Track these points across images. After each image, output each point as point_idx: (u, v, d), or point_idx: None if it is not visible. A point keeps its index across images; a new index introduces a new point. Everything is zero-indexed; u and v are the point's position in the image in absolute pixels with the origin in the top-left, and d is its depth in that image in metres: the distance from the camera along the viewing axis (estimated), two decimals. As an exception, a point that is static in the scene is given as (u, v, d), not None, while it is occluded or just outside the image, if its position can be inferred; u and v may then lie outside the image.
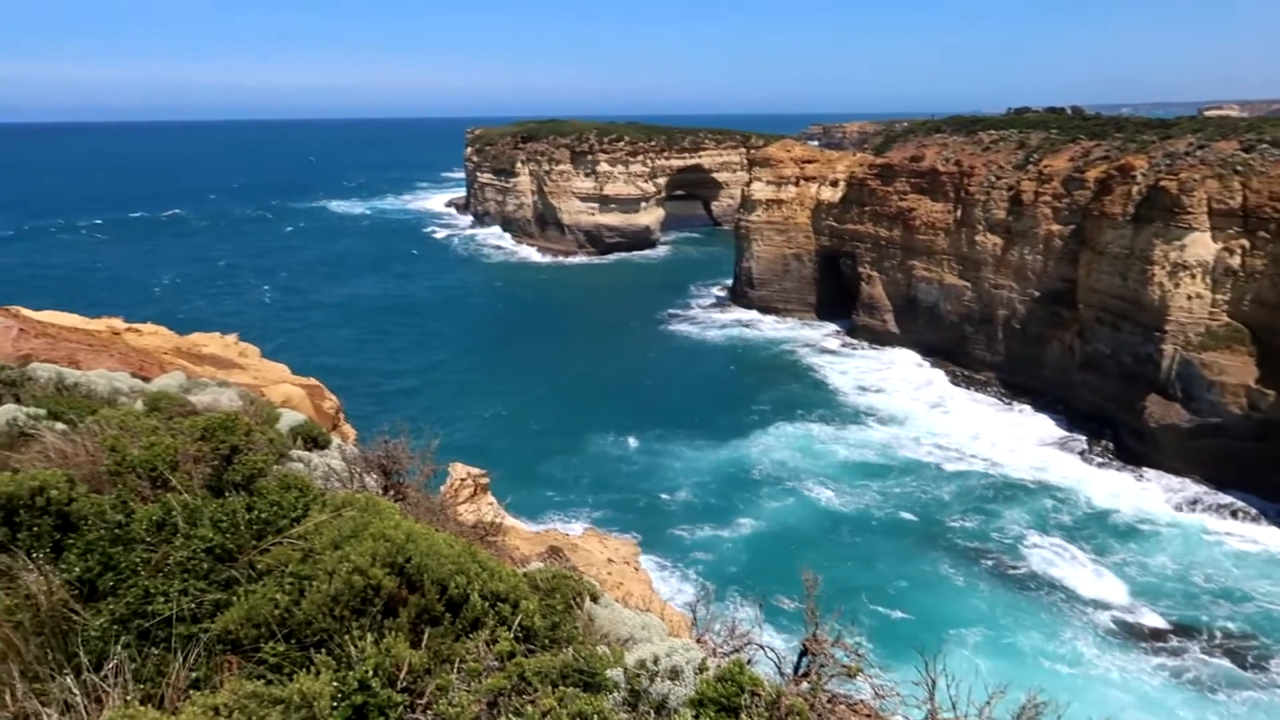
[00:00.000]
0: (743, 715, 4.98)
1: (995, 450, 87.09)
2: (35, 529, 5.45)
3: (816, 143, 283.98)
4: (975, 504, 76.49)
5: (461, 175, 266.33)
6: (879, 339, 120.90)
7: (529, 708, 4.67)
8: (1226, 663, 56.17)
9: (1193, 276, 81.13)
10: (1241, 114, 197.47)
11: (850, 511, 75.06)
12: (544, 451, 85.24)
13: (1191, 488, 77.70)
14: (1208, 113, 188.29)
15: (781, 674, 6.90)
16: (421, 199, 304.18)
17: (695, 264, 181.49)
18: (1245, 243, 79.59)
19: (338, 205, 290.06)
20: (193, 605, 5.11)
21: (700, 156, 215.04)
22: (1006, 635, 58.18)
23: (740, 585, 59.94)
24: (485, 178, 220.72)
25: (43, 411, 9.11)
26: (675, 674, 5.16)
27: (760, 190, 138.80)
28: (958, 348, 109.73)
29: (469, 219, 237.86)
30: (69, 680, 4.47)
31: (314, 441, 11.02)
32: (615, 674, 5.12)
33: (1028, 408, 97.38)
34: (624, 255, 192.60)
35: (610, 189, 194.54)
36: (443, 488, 16.15)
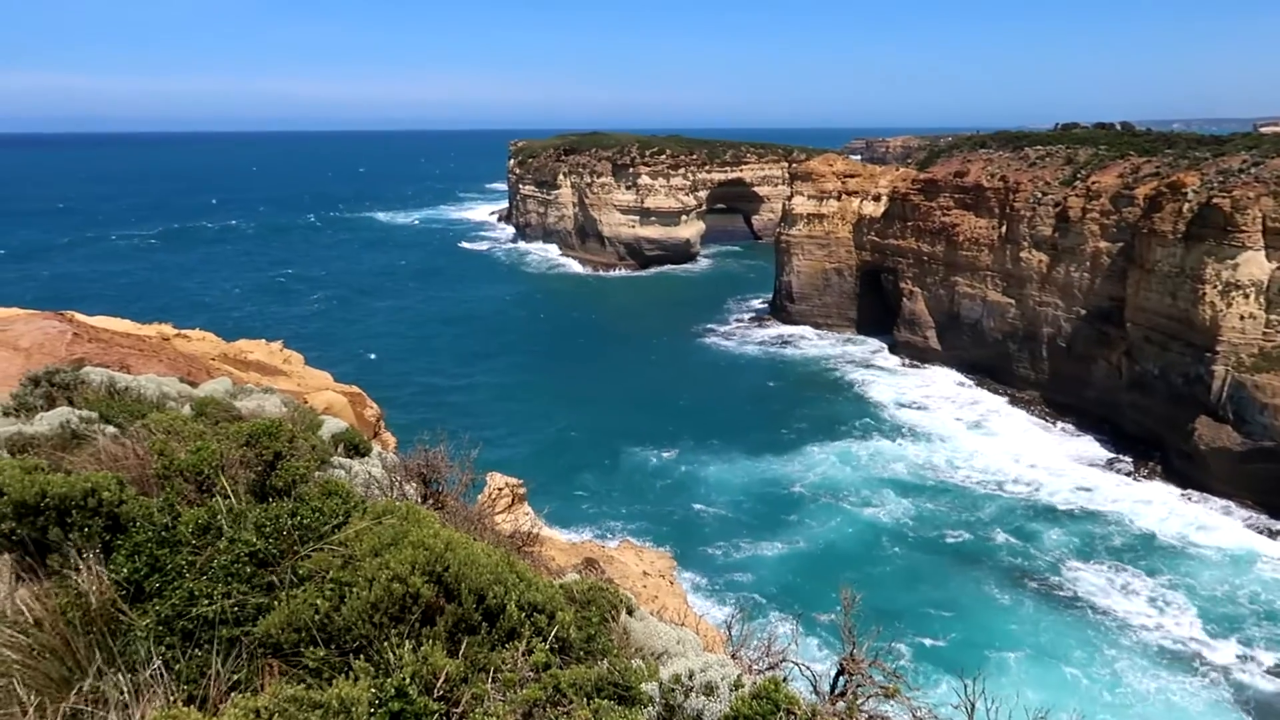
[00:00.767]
0: (778, 733, 4.93)
1: (1039, 470, 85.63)
2: (87, 530, 5.58)
3: (859, 157, 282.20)
4: (1018, 524, 75.23)
5: (504, 187, 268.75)
6: (920, 355, 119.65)
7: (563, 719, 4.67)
8: (1273, 687, 54.60)
9: (1246, 296, 79.32)
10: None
11: (890, 530, 74.17)
12: (580, 462, 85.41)
13: (1241, 512, 75.79)
14: (1263, 129, 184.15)
15: (817, 693, 6.84)
16: (466, 210, 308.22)
17: (735, 278, 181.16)
18: (1301, 262, 77.72)
19: (385, 215, 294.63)
20: (235, 608, 5.20)
21: (741, 170, 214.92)
22: (1049, 657, 57.10)
23: (776, 601, 59.68)
24: (527, 190, 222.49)
25: (95, 414, 9.32)
26: (710, 690, 5.14)
27: (801, 204, 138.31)
28: (1001, 365, 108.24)
29: (511, 230, 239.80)
30: (119, 678, 4.56)
31: (355, 449, 11.14)
32: (650, 688, 5.11)
33: (1072, 427, 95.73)
34: (664, 268, 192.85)
35: (651, 202, 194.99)
36: (480, 497, 16.25)
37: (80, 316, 23.54)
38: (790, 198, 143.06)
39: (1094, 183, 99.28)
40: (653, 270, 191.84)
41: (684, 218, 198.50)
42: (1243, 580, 66.26)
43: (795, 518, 75.82)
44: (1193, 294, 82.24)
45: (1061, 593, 65.09)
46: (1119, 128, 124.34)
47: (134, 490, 6.23)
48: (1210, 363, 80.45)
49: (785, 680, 6.03)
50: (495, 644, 5.37)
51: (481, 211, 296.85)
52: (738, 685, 5.19)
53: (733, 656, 7.60)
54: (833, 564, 66.74)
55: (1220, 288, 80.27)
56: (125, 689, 4.51)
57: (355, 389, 26.35)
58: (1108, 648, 58.34)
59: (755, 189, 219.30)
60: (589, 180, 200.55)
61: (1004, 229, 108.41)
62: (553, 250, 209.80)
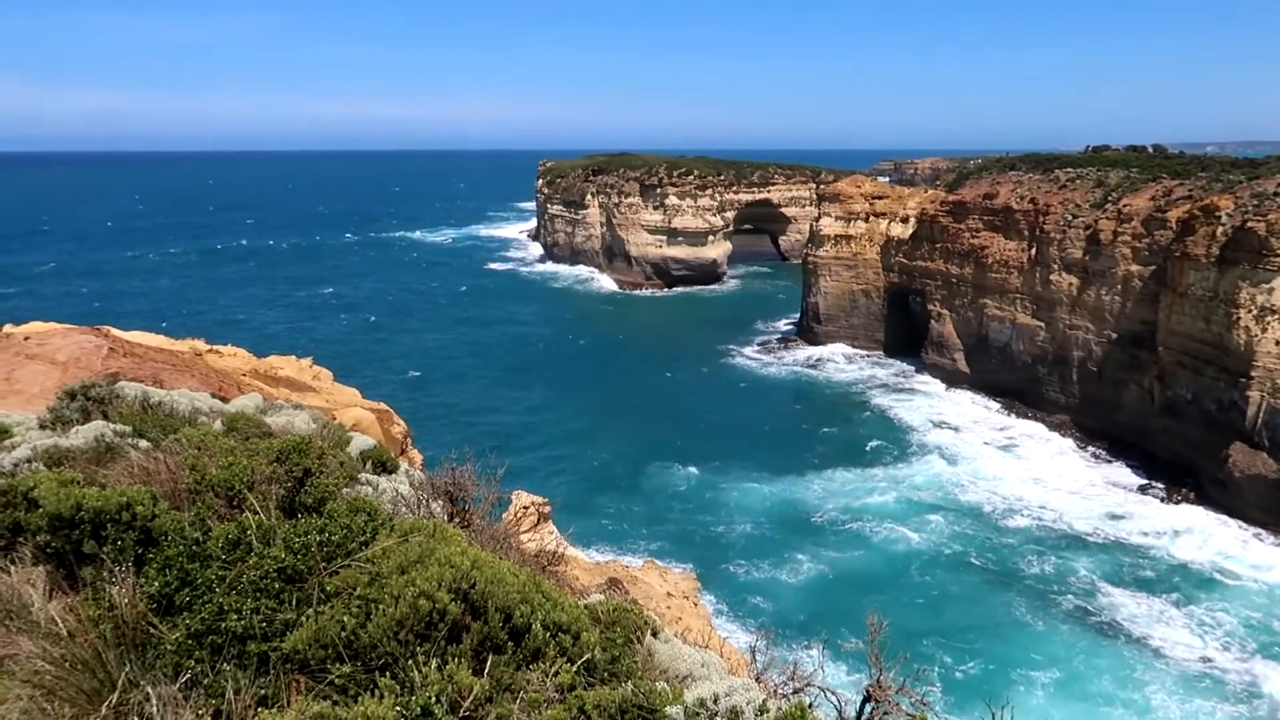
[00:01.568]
0: (803, 760, 4.88)
1: (1070, 495, 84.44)
2: (120, 543, 5.65)
3: (887, 179, 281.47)
4: (1048, 549, 74.15)
5: (533, 206, 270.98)
6: (948, 378, 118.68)
7: (587, 741, 4.65)
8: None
9: (1281, 321, 78.07)
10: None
11: (917, 554, 73.33)
12: (605, 481, 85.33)
13: (1277, 540, 74.25)
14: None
15: None
16: (496, 228, 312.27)
17: (761, 298, 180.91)
18: (1338, 287, 76.41)
19: (418, 234, 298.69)
20: (263, 624, 5.23)
21: (769, 191, 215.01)
22: (1079, 683, 56.10)
23: (801, 625, 59.13)
24: (556, 209, 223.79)
25: (129, 429, 9.46)
26: (735, 714, 5.10)
27: (829, 225, 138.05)
28: (1030, 389, 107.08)
29: (539, 249, 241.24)
30: (150, 690, 4.61)
31: (383, 466, 11.21)
32: (675, 711, 5.08)
33: (1103, 452, 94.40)
34: (690, 288, 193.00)
35: (678, 222, 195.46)
36: (505, 515, 16.27)
37: (116, 331, 23.93)
38: (818, 219, 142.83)
39: (1125, 205, 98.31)
40: (679, 290, 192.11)
41: (711, 238, 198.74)
42: (1277, 609, 64.85)
43: (820, 541, 75.18)
44: (1226, 319, 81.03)
45: (1093, 619, 63.98)
46: (1151, 150, 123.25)
47: (166, 505, 6.31)
48: (1245, 388, 79.11)
49: (811, 706, 5.97)
50: (520, 664, 5.37)
51: (511, 230, 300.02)
52: (763, 710, 5.15)
53: (757, 681, 7.53)
54: (859, 588, 66.03)
55: (1255, 312, 79.04)
56: (154, 703, 4.55)
57: (383, 406, 26.55)
58: (1141, 675, 57.22)
59: (782, 210, 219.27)
60: (617, 200, 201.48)
61: (1034, 251, 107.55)
62: (580, 269, 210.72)
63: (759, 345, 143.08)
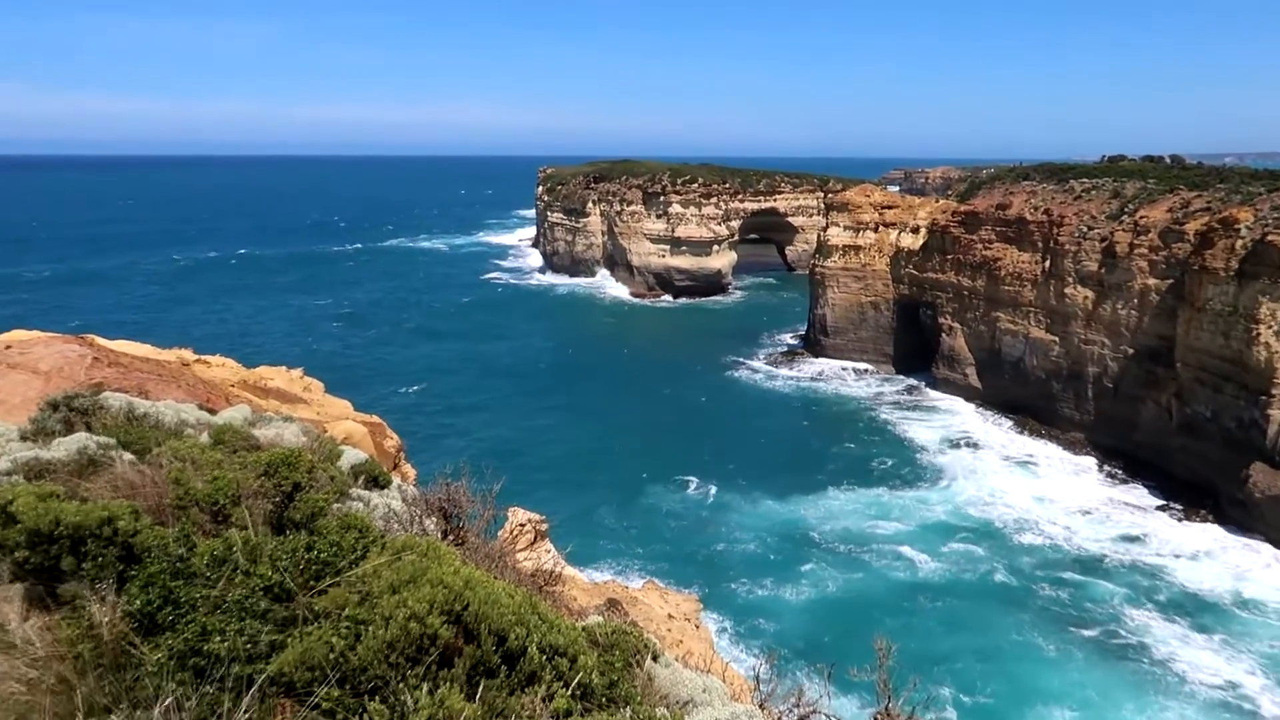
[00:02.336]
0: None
1: (1085, 516, 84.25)
2: (101, 559, 5.61)
3: (898, 188, 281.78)
4: (1064, 572, 73.91)
5: (533, 214, 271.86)
6: (960, 394, 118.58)
7: (584, 770, 4.60)
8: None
9: (1303, 337, 78.02)
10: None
11: (928, 576, 73.09)
12: (603, 498, 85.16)
13: (1301, 565, 74.00)
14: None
15: (850, 748, 6.70)
16: (495, 236, 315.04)
17: (767, 310, 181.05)
18: (1362, 303, 76.39)
19: (415, 242, 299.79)
20: (249, 645, 5.19)
21: (775, 200, 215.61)
22: (1097, 711, 55.84)
23: (806, 649, 58.87)
24: (556, 217, 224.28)
25: (112, 440, 9.42)
26: (738, 742, 5.05)
27: (837, 235, 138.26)
28: (1044, 405, 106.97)
29: (539, 258, 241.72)
30: (129, 714, 4.56)
31: (375, 481, 11.16)
32: (675, 739, 5.03)
33: (1119, 471, 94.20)
34: (694, 299, 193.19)
35: (682, 231, 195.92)
36: (501, 533, 16.20)
37: (101, 340, 23.91)
38: (825, 229, 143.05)
39: (1142, 217, 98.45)
40: (683, 301, 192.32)
41: (716, 248, 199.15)
42: (1302, 637, 64.58)
43: (826, 561, 74.96)
44: (1246, 334, 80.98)
45: (1111, 643, 63.71)
46: (1168, 161, 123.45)
47: (149, 520, 6.27)
48: (1266, 406, 78.99)
49: (817, 734, 5.92)
50: (515, 688, 5.33)
51: (510, 238, 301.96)
52: (767, 739, 5.09)
53: (760, 707, 7.48)
54: (866, 611, 65.80)
55: (1276, 328, 79.02)
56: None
57: (375, 418, 26.48)
58: (1163, 702, 56.94)
59: (789, 219, 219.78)
60: (619, 208, 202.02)
61: (1048, 264, 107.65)
62: (580, 279, 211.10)
63: (764, 358, 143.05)
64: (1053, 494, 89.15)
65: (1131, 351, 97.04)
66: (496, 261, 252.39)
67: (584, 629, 6.54)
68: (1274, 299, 79.37)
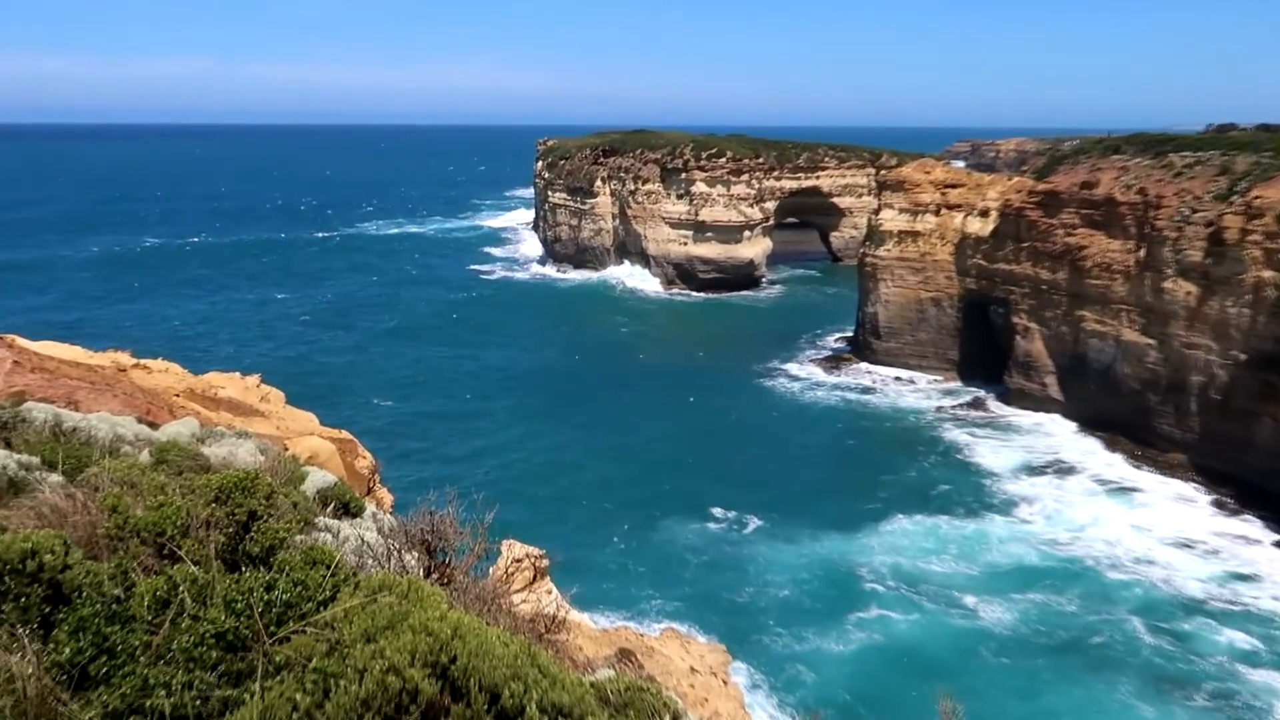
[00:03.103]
0: None
1: (1188, 553, 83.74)
2: (23, 600, 5.63)
3: (963, 163, 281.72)
4: (1164, 620, 73.34)
5: (531, 193, 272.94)
6: (1037, 407, 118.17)
7: None
8: None
9: None
10: None
11: (998, 626, 72.68)
12: (614, 530, 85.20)
13: None
14: None
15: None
16: (487, 219, 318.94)
17: (808, 308, 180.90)
18: None
19: (395, 227, 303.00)
20: (198, 701, 5.20)
21: (818, 177, 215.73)
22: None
23: (851, 708, 58.67)
24: (558, 197, 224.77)
25: (36, 460, 9.49)
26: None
27: (892, 220, 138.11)
28: (1138, 421, 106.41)
29: (538, 245, 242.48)
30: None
31: (345, 508, 11.22)
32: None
33: (1230, 500, 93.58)
34: (721, 294, 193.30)
35: (707, 214, 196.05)
36: (494, 570, 16.24)
37: (22, 341, 24.12)
38: (877, 211, 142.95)
39: (1256, 198, 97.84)
40: (708, 296, 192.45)
41: (747, 234, 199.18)
42: None
43: (876, 608, 74.66)
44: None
45: (1224, 706, 63.16)
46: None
47: (81, 553, 6.30)
48: (1405, 424, 78.39)
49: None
50: (511, 756, 5.32)
51: (505, 221, 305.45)
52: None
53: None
54: (924, 667, 65.48)
55: None
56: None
57: (345, 434, 26.62)
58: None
59: (835, 200, 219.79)
60: (632, 187, 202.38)
61: (1142, 253, 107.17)
62: (587, 271, 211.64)
63: (804, 365, 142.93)
64: (1149, 526, 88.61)
65: (1244, 358, 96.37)
66: (489, 250, 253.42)
67: (592, 685, 6.52)
68: None
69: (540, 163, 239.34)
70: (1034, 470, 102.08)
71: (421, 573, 9.39)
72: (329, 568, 6.52)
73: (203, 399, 25.26)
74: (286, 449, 18.06)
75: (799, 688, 63.26)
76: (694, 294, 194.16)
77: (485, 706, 5.41)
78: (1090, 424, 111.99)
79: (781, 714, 55.11)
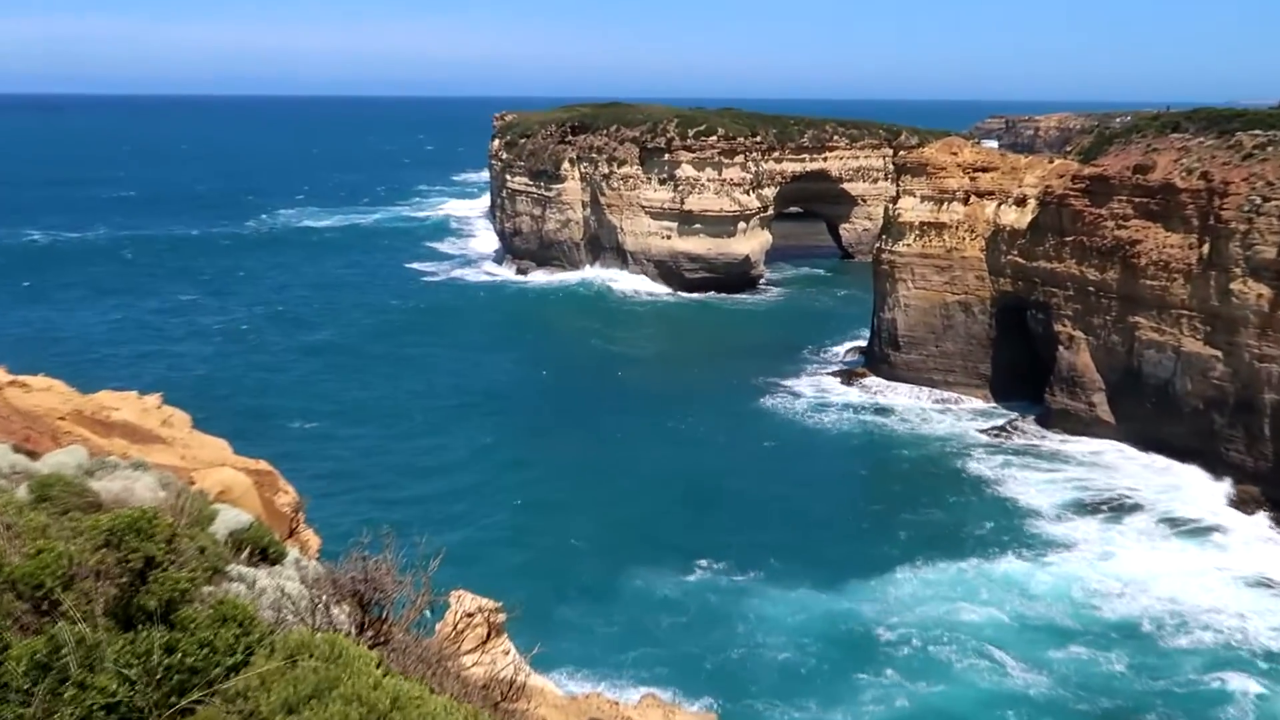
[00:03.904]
0: None
1: (1265, 599, 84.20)
2: (-127, 666, 5.58)
3: (996, 142, 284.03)
4: (1236, 675, 73.65)
5: (486, 177, 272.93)
6: (1083, 430, 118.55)
7: None
8: None
9: None
10: None
11: (1036, 694, 72.74)
12: (582, 580, 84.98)
13: None
14: None
15: None
16: (433, 208, 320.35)
17: (814, 313, 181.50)
18: None
19: (326, 217, 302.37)
20: (83, 787, 5.16)
21: (826, 159, 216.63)
22: None
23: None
24: (518, 182, 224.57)
25: (-111, 497, 9.40)
26: None
27: (912, 209, 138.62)
28: (1202, 446, 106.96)
29: (493, 239, 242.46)
30: None
31: (263, 553, 11.17)
32: None
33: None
34: (712, 296, 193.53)
35: (695, 203, 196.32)
36: (440, 626, 16.18)
37: (-123, 354, 23.91)
38: (896, 200, 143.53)
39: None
40: (695, 297, 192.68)
41: (742, 226, 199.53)
42: None
43: (890, 672, 74.58)
44: None
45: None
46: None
47: (-57, 609, 6.24)
48: None
49: None
50: None
51: (455, 208, 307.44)
52: None
53: None
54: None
55: None
56: None
57: (264, 465, 26.45)
58: None
59: (845, 186, 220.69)
60: (606, 171, 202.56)
61: (1206, 249, 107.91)
62: (553, 270, 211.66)
63: (809, 381, 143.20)
64: (1218, 567, 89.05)
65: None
66: (436, 246, 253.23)
67: (558, 764, 6.52)
68: None
69: (497, 141, 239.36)
70: (1082, 509, 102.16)
71: (353, 630, 9.35)
72: (241, 625, 6.49)
73: (93, 423, 25.08)
74: (193, 483, 17.96)
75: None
76: (680, 296, 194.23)
77: (429, 790, 5.40)
78: (1145, 447, 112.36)
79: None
